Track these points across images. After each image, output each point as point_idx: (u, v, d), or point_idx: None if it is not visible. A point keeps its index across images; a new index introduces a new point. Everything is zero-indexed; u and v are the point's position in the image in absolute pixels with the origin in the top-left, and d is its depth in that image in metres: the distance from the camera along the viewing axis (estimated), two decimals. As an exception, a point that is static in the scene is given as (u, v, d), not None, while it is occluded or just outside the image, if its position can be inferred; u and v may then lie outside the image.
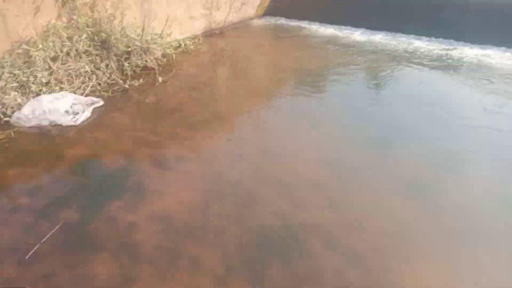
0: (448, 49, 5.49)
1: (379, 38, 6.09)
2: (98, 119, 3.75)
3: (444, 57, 5.23)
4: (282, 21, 7.29)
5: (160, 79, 4.70)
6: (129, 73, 4.66)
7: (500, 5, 5.59)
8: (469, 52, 5.33)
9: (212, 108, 4.10)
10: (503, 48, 5.40)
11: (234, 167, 3.06)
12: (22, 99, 3.79)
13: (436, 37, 5.92)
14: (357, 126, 3.72)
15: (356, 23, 6.64)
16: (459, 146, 3.24)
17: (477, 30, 5.63)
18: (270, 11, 7.65)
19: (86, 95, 4.12)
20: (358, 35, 6.27)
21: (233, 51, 6.20)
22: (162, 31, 5.39)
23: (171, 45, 5.49)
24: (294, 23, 7.11)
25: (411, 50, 5.55)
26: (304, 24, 6.99)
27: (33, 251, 2.21)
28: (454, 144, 3.27)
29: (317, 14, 7.10)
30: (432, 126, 3.59)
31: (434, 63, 5.08)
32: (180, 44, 5.75)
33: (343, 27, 6.66)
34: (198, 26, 6.44)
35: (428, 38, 5.95)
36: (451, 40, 5.76)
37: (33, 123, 3.61)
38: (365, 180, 2.88)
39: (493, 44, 5.50)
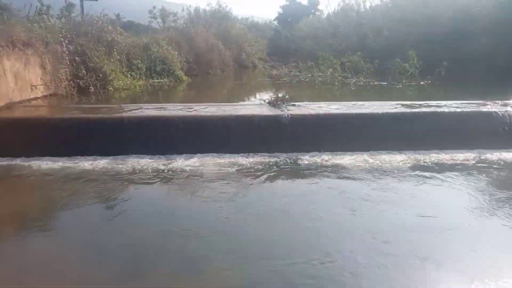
0: (168, 163, 6.30)
1: (104, 163, 6.27)
2: None
3: (166, 171, 5.96)
4: (-17, 162, 6.31)
5: None
6: None
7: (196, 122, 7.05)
8: (181, 163, 6.30)
9: None
10: (206, 153, 6.64)
11: None
12: None
13: (156, 154, 6.66)
14: (103, 261, 3.62)
15: (81, 151, 6.56)
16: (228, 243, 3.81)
17: (184, 143, 6.77)
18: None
19: None
20: (86, 165, 6.22)
21: None
22: None
23: None
24: (3, 162, 6.29)
25: (137, 170, 6.02)
26: (17, 161, 6.30)
27: None
28: (221, 242, 3.78)
29: (36, 148, 6.52)
30: (185, 241, 3.95)
31: (159, 177, 5.70)
32: None
33: (67, 157, 6.44)
34: None
35: (149, 156, 6.61)
36: (168, 155, 6.64)
37: None
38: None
39: (199, 152, 6.68)
